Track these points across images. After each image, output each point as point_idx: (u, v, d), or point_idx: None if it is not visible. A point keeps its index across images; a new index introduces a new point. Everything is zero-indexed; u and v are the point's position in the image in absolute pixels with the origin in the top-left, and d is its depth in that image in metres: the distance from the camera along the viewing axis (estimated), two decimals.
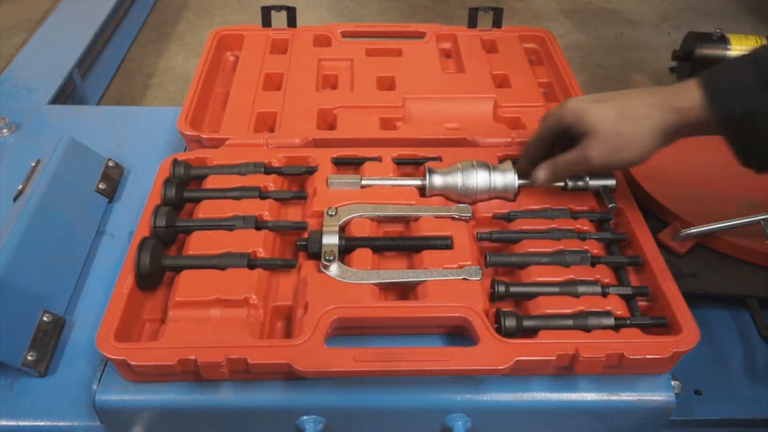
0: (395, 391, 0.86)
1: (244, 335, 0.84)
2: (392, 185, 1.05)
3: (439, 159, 1.10)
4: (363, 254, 0.94)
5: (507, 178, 1.02)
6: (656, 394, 0.86)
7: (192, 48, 2.72)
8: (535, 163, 1.01)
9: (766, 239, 0.98)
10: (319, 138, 1.15)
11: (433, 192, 1.03)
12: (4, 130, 1.30)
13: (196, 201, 1.03)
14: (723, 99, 0.81)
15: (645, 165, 1.13)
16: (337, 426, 0.88)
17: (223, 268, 0.91)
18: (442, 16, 2.96)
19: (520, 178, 1.02)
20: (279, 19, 1.46)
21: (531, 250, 0.95)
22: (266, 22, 1.45)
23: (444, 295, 0.88)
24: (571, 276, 0.92)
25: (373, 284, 0.90)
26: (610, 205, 1.00)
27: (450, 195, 1.03)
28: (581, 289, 0.90)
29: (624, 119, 0.89)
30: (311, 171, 1.07)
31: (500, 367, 0.80)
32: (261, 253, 0.94)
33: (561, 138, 0.98)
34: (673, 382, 0.87)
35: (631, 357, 0.82)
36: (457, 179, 1.01)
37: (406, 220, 1.02)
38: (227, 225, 0.97)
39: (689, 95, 0.84)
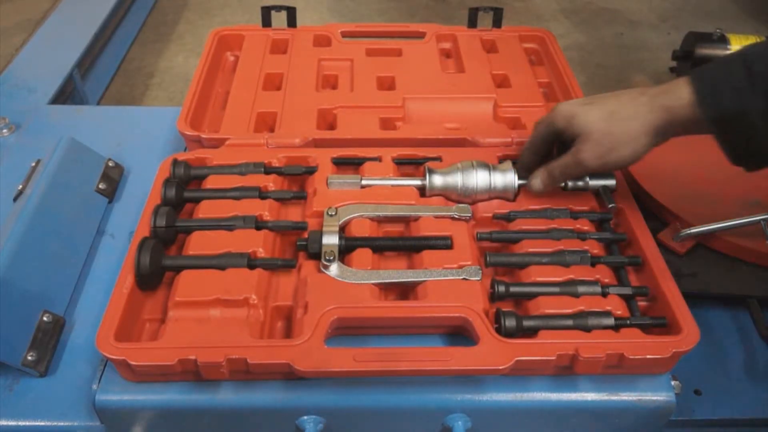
0: (395, 391, 0.86)
1: (244, 335, 0.84)
2: (392, 185, 1.05)
3: (439, 159, 1.10)
4: (363, 254, 0.94)
5: (507, 178, 1.02)
6: (656, 394, 0.86)
7: (192, 48, 2.72)
8: (531, 169, 1.02)
9: (766, 239, 0.98)
10: (319, 138, 1.15)
11: (433, 192, 1.03)
12: (4, 130, 1.30)
13: (196, 201, 1.03)
14: (712, 97, 0.81)
15: (645, 165, 1.13)
16: (337, 426, 0.88)
17: (223, 268, 0.91)
18: (442, 16, 2.96)
19: (520, 178, 1.02)
20: (279, 19, 1.46)
21: (531, 250, 0.95)
22: (266, 22, 1.45)
23: (444, 295, 0.88)
24: (571, 276, 0.92)
25: (373, 284, 0.90)
26: (610, 205, 1.00)
27: (450, 195, 1.03)
28: (581, 289, 0.90)
29: (614, 120, 0.89)
30: (311, 171, 1.07)
31: (500, 367, 0.80)
32: (261, 253, 0.94)
33: (555, 142, 0.99)
34: (673, 382, 0.87)
35: (631, 357, 0.82)
36: (457, 179, 1.01)
37: (406, 220, 1.02)
38: (227, 225, 0.97)
39: (679, 94, 0.84)
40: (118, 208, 1.16)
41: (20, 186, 1.09)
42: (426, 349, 0.86)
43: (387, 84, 1.32)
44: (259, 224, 0.98)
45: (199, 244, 0.95)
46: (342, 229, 0.98)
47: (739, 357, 0.99)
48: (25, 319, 0.90)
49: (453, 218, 1.00)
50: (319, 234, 0.94)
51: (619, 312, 0.88)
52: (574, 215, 1.02)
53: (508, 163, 1.04)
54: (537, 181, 1.00)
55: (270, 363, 0.81)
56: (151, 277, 0.91)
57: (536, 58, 1.45)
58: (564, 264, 0.93)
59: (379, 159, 1.10)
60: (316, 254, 0.93)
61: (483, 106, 1.26)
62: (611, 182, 1.04)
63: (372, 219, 1.01)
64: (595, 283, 0.91)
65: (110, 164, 1.18)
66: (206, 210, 1.00)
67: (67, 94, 1.64)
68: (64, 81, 1.55)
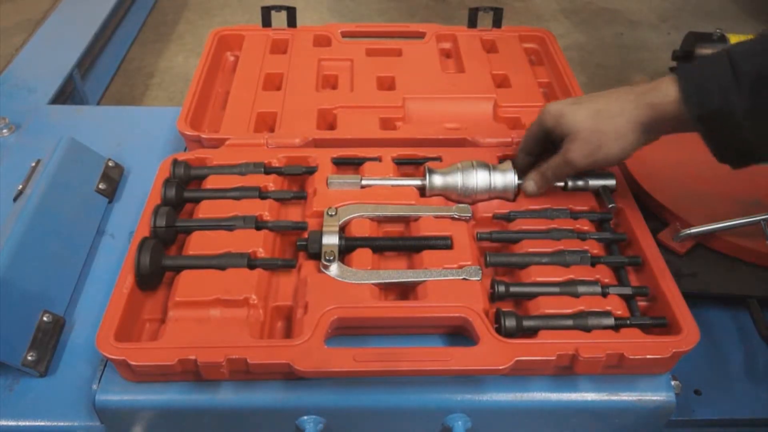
0: (395, 391, 0.86)
1: (244, 335, 0.84)
2: (392, 185, 1.05)
3: (439, 159, 1.10)
4: (363, 254, 0.94)
5: (507, 178, 1.02)
6: (656, 394, 0.86)
7: (192, 48, 2.73)
8: (526, 170, 1.02)
9: (766, 239, 0.98)
10: (319, 138, 1.15)
11: (432, 192, 1.03)
12: (4, 130, 1.30)
13: (196, 201, 1.03)
14: (698, 95, 0.82)
15: (645, 165, 1.13)
16: (337, 426, 0.88)
17: (223, 268, 0.91)
18: (442, 16, 2.96)
19: (519, 178, 1.02)
20: (279, 19, 1.46)
21: (531, 250, 0.95)
22: (266, 22, 1.45)
23: (444, 295, 0.88)
24: (571, 276, 0.92)
25: (373, 284, 0.90)
26: (610, 205, 1.00)
27: (450, 195, 1.03)
28: (581, 289, 0.90)
29: (601, 117, 0.90)
30: (311, 171, 1.07)
31: (500, 367, 0.80)
32: (261, 253, 0.94)
33: (546, 143, 0.99)
34: (673, 382, 0.87)
35: (631, 357, 0.82)
36: (456, 179, 1.01)
37: (406, 220, 1.02)
38: (227, 225, 0.97)
39: (665, 91, 0.85)
40: (118, 208, 1.16)
41: (20, 186, 1.09)
42: (426, 349, 0.86)
43: (387, 84, 1.32)
44: (259, 224, 0.98)
45: (199, 244, 0.95)
46: (342, 229, 0.98)
47: (739, 357, 0.99)
48: (25, 319, 0.90)
49: (453, 218, 1.00)
50: (319, 234, 0.94)
51: (619, 312, 0.88)
52: (574, 215, 1.02)
53: (508, 163, 1.04)
54: (530, 183, 1.01)
55: (270, 363, 0.81)
56: (151, 277, 0.91)
57: (536, 58, 1.45)
58: (564, 264, 0.93)
59: (379, 159, 1.10)
60: (316, 254, 0.93)
61: (483, 106, 1.26)
62: (611, 182, 1.04)
63: (372, 219, 1.01)
64: (595, 283, 0.91)
65: (110, 164, 1.18)
66: (206, 210, 1.00)
67: (67, 94, 1.64)
68: (64, 81, 1.55)
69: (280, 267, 0.94)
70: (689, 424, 0.94)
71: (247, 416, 0.86)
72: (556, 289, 0.90)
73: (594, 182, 1.04)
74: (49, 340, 0.92)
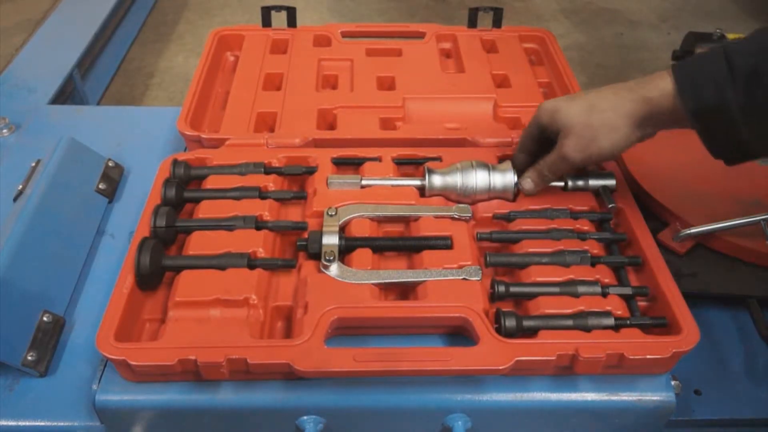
0: (395, 391, 0.86)
1: (244, 335, 0.84)
2: (392, 185, 1.05)
3: (439, 159, 1.10)
4: (363, 254, 0.94)
5: (506, 178, 1.02)
6: (656, 394, 0.86)
7: (192, 48, 2.73)
8: (524, 171, 1.02)
9: (766, 239, 0.98)
10: (319, 138, 1.15)
11: (432, 192, 1.03)
12: (4, 130, 1.30)
13: (196, 201, 1.03)
14: (693, 90, 0.82)
15: (645, 165, 1.13)
16: (337, 426, 0.88)
17: (223, 268, 0.91)
18: (442, 16, 2.96)
19: (519, 178, 1.02)
20: (279, 19, 1.46)
21: (531, 250, 0.95)
22: (266, 22, 1.45)
23: (444, 295, 0.88)
24: (571, 276, 0.92)
25: (373, 284, 0.90)
26: (610, 205, 1.00)
27: (449, 195, 1.03)
28: (581, 289, 0.90)
29: (594, 112, 0.90)
30: (311, 171, 1.07)
31: (500, 367, 0.80)
32: (261, 253, 0.94)
33: (543, 142, 0.99)
34: (673, 382, 0.87)
35: (631, 357, 0.82)
36: (456, 179, 1.01)
37: (406, 220, 1.02)
38: (227, 225, 0.97)
39: (660, 85, 0.85)
40: (118, 208, 1.16)
41: (20, 186, 1.09)
42: (426, 349, 0.86)
43: (387, 84, 1.32)
44: (259, 224, 0.98)
45: (199, 244, 0.95)
46: (342, 229, 0.98)
47: (739, 357, 0.99)
48: (25, 319, 0.90)
49: (453, 218, 1.00)
50: (319, 234, 0.94)
51: (619, 312, 0.88)
52: (574, 215, 1.02)
53: (508, 163, 1.04)
54: (527, 181, 1.01)
55: (270, 363, 0.81)
56: (151, 277, 0.91)
57: (536, 58, 1.45)
58: (564, 264, 0.93)
59: (379, 159, 1.10)
60: (316, 254, 0.93)
61: (483, 106, 1.26)
62: (611, 182, 1.04)
63: (372, 219, 1.01)
64: (595, 283, 0.91)
65: (110, 164, 1.18)
66: (206, 210, 1.00)
67: (67, 94, 1.64)
68: (64, 81, 1.55)
69: (280, 267, 0.94)
70: (689, 424, 0.94)
71: (247, 416, 0.86)
72: (556, 289, 0.90)
73: (594, 182, 1.04)
74: (49, 340, 0.92)
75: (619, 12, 3.06)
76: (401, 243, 0.98)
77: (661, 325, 0.88)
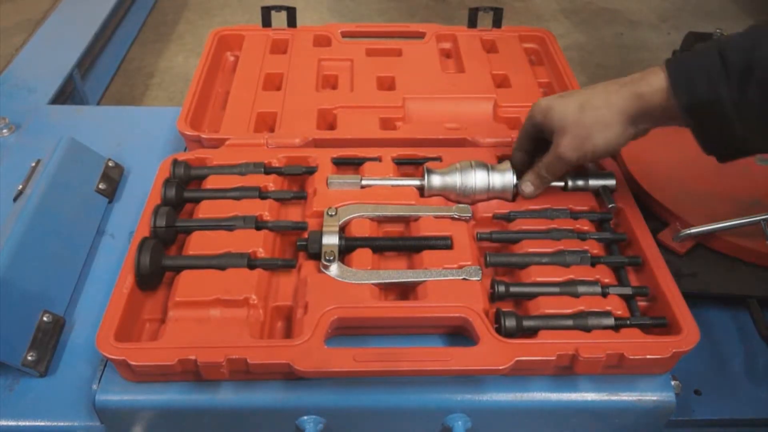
0: (395, 391, 0.86)
1: (244, 335, 0.84)
2: (392, 185, 1.05)
3: (439, 159, 1.10)
4: (363, 254, 0.94)
5: (505, 179, 1.02)
6: (656, 394, 0.86)
7: (192, 48, 2.73)
8: (521, 169, 1.03)
9: (766, 239, 0.98)
10: (319, 138, 1.15)
11: (431, 192, 1.03)
12: (4, 130, 1.30)
13: (196, 201, 1.03)
14: (686, 85, 0.81)
15: (645, 165, 1.13)
16: (337, 426, 0.88)
17: (223, 268, 0.91)
18: (442, 16, 2.96)
19: (517, 176, 1.02)
20: (279, 19, 1.46)
21: (531, 250, 0.95)
22: (266, 22, 1.45)
23: (444, 295, 0.88)
24: (571, 276, 0.92)
25: (373, 284, 0.90)
26: (610, 205, 1.00)
27: (449, 195, 1.03)
28: (581, 289, 0.90)
29: (586, 109, 0.90)
30: (311, 171, 1.07)
31: (500, 367, 0.80)
32: (261, 253, 0.94)
33: (539, 140, 0.99)
34: (673, 382, 0.87)
35: (631, 357, 0.82)
36: (455, 179, 1.01)
37: (406, 220, 1.02)
38: (227, 225, 0.97)
39: (653, 81, 0.85)
40: (118, 208, 1.16)
41: (20, 186, 1.09)
42: (426, 349, 0.86)
43: (387, 84, 1.32)
44: (259, 224, 0.98)
45: (199, 244, 0.95)
46: (342, 229, 0.98)
47: (739, 357, 0.99)
48: (25, 319, 0.90)
49: (453, 218, 1.00)
50: (319, 234, 0.94)
51: (619, 312, 0.88)
52: (574, 215, 1.02)
53: (507, 164, 1.04)
54: (527, 184, 1.01)
55: (270, 363, 0.81)
56: (151, 277, 0.91)
57: (536, 58, 1.45)
58: (564, 264, 0.93)
59: (379, 159, 1.10)
60: (316, 254, 0.93)
61: (483, 106, 1.26)
62: (611, 182, 1.04)
63: (372, 219, 1.01)
64: (595, 283, 0.91)
65: (110, 164, 1.18)
66: (206, 210, 1.00)
67: (67, 94, 1.64)
68: (64, 81, 1.55)
69: (280, 267, 0.94)
70: (689, 424, 0.94)
71: (247, 416, 0.86)
72: (556, 289, 0.90)
73: (594, 182, 1.04)
74: (49, 340, 0.92)
75: (619, 12, 3.06)
76: (401, 243, 0.98)
77: (661, 325, 0.88)
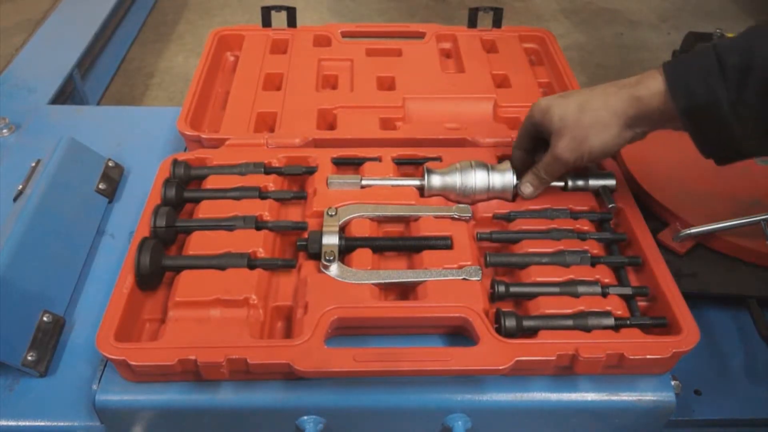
0: (395, 391, 0.86)
1: (244, 335, 0.84)
2: (392, 185, 1.05)
3: (439, 159, 1.10)
4: (363, 254, 0.94)
5: (505, 179, 1.02)
6: (656, 394, 0.86)
7: (192, 48, 2.73)
8: (521, 167, 1.03)
9: (766, 239, 0.98)
10: (319, 138, 1.15)
11: (431, 192, 1.03)
12: (4, 130, 1.30)
13: (196, 201, 1.03)
14: (684, 88, 0.82)
15: (645, 165, 1.13)
16: (337, 426, 0.88)
17: (223, 268, 0.91)
18: (442, 16, 2.96)
19: (517, 175, 1.02)
20: (279, 19, 1.46)
21: (531, 250, 0.95)
22: (266, 22, 1.45)
23: (444, 295, 0.88)
24: (571, 276, 0.92)
25: (373, 284, 0.90)
26: (610, 205, 1.00)
27: (449, 195, 1.03)
28: (581, 289, 0.90)
29: (584, 110, 0.90)
30: (311, 171, 1.07)
31: (500, 367, 0.80)
32: (261, 253, 0.94)
33: (538, 139, 0.99)
34: (673, 382, 0.87)
35: (631, 357, 0.82)
36: (455, 179, 1.01)
37: (406, 220, 1.02)
38: (227, 225, 0.97)
39: (650, 84, 0.85)
40: (118, 208, 1.16)
41: (20, 186, 1.09)
42: (426, 349, 0.86)
43: (387, 84, 1.32)
44: (259, 224, 0.98)
45: (199, 244, 0.95)
46: (342, 229, 0.98)
47: (739, 357, 0.99)
48: (25, 319, 0.90)
49: (453, 218, 1.00)
50: (319, 234, 0.94)
51: (619, 312, 0.88)
52: (574, 215, 1.02)
53: (507, 164, 1.04)
54: (527, 185, 1.01)
55: (270, 363, 0.81)
56: (151, 277, 0.91)
57: (536, 58, 1.45)
58: (564, 264, 0.93)
59: (379, 159, 1.10)
60: (316, 254, 0.93)
61: (483, 106, 1.26)
62: (611, 182, 1.04)
63: (372, 219, 1.01)
64: (595, 283, 0.91)
65: (110, 164, 1.18)
66: (206, 210, 1.00)
67: (67, 94, 1.64)
68: (64, 81, 1.55)
69: (280, 267, 0.94)
70: (689, 424, 0.94)
71: (247, 416, 0.86)
72: (556, 289, 0.90)
73: (594, 182, 1.04)
74: (49, 340, 0.92)
75: (619, 12, 3.06)
76: (401, 243, 0.98)
77: (661, 325, 0.88)
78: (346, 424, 0.88)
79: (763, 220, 0.99)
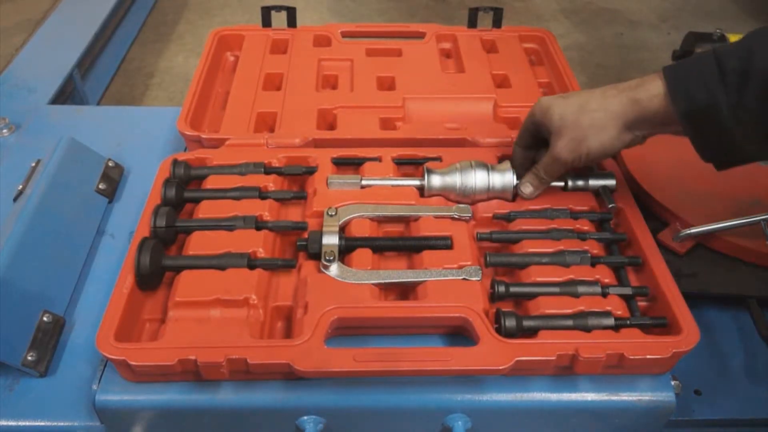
0: (395, 391, 0.86)
1: (244, 335, 0.84)
2: (392, 185, 1.05)
3: (439, 159, 1.10)
4: (363, 254, 0.94)
5: (505, 179, 1.02)
6: (656, 394, 0.86)
7: (192, 48, 2.73)
8: (521, 166, 1.03)
9: (766, 239, 0.98)
10: (319, 138, 1.15)
11: (431, 192, 1.03)
12: (4, 130, 1.30)
13: (196, 201, 1.03)
14: (685, 91, 0.82)
15: (645, 165, 1.13)
16: (337, 426, 0.88)
17: (223, 268, 0.91)
18: (442, 16, 2.96)
19: (518, 178, 1.02)
20: (279, 19, 1.46)
21: (531, 250, 0.95)
22: (266, 22, 1.45)
23: (444, 295, 0.88)
24: (571, 276, 0.92)
25: (373, 284, 0.90)
26: (610, 205, 1.00)
27: (449, 195, 1.03)
28: (581, 289, 0.90)
29: (583, 112, 0.90)
30: (311, 171, 1.07)
31: (500, 367, 0.80)
32: (261, 253, 0.94)
33: (538, 138, 0.99)
34: (673, 382, 0.87)
35: (631, 357, 0.82)
36: (455, 179, 1.01)
37: (406, 220, 1.02)
38: (227, 225, 0.97)
39: (650, 87, 0.85)
40: (118, 208, 1.16)
41: (20, 186, 1.09)
42: (426, 349, 0.86)
43: (387, 84, 1.32)
44: (259, 224, 0.98)
45: (199, 244, 0.95)
46: (342, 229, 0.98)
47: (739, 357, 0.99)
48: (25, 319, 0.90)
49: (453, 218, 1.00)
50: (319, 234, 0.94)
51: (619, 312, 0.88)
52: (574, 215, 1.02)
53: (507, 164, 1.04)
54: (526, 186, 1.01)
55: (270, 363, 0.81)
56: (151, 277, 0.91)
57: (536, 58, 1.45)
58: (564, 264, 0.93)
59: (379, 159, 1.10)
60: (316, 254, 0.93)
61: (483, 106, 1.26)
62: (611, 182, 1.04)
63: (372, 219, 1.01)
64: (595, 283, 0.91)
65: (110, 164, 1.18)
66: (206, 210, 1.00)
67: (67, 94, 1.64)
68: (64, 81, 1.55)
69: (280, 267, 0.94)
70: (689, 424, 0.94)
71: (247, 416, 0.86)
72: (556, 289, 0.90)
73: (594, 182, 1.04)
74: (49, 340, 0.92)
75: (619, 12, 3.06)
76: (401, 243, 0.98)
77: (661, 325, 0.88)
78: (346, 424, 0.88)
79: (763, 220, 0.99)
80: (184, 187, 1.04)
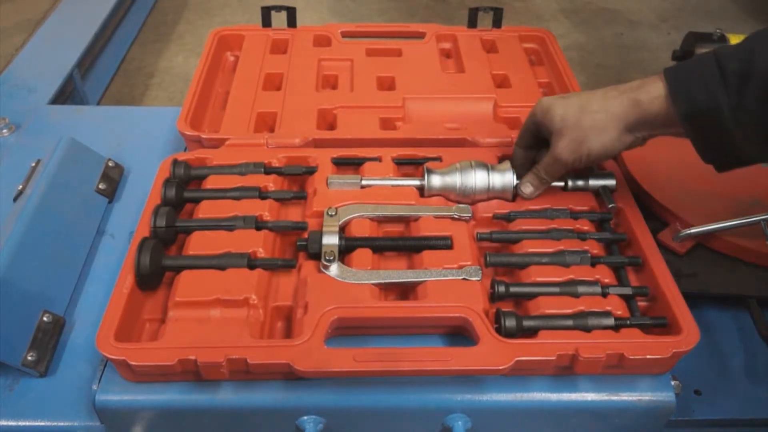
0: (395, 391, 0.86)
1: (244, 335, 0.84)
2: (392, 185, 1.05)
3: (439, 159, 1.10)
4: (363, 254, 0.94)
5: (506, 179, 1.02)
6: (656, 394, 0.86)
7: (192, 48, 2.73)
8: (521, 165, 1.03)
9: (766, 239, 0.98)
10: (319, 138, 1.15)
11: (431, 192, 1.03)
12: (4, 130, 1.30)
13: (196, 201, 1.03)
14: (686, 93, 0.82)
15: (645, 165, 1.13)
16: (337, 426, 0.88)
17: (223, 268, 0.91)
18: (442, 16, 2.96)
19: (518, 178, 1.02)
20: (279, 19, 1.46)
21: (531, 250, 0.95)
22: (266, 22, 1.45)
23: (444, 295, 0.88)
24: (571, 276, 0.92)
25: (373, 284, 0.90)
26: (610, 205, 1.00)
27: (449, 195, 1.03)
28: (581, 289, 0.90)
29: (583, 112, 0.90)
30: (311, 171, 1.07)
31: (500, 367, 0.80)
32: (261, 253, 0.94)
33: (539, 138, 0.99)
34: (673, 382, 0.87)
35: (631, 357, 0.82)
36: (455, 179, 1.01)
37: (406, 220, 1.02)
38: (227, 225, 0.97)
39: (651, 89, 0.85)
40: (118, 208, 1.16)
41: (20, 186, 1.09)
42: (426, 349, 0.86)
43: (387, 84, 1.32)
44: (259, 224, 0.98)
45: (199, 244, 0.95)
46: (342, 229, 0.98)
47: (739, 357, 0.99)
48: (25, 319, 0.90)
49: (453, 218, 1.00)
50: (319, 234, 0.94)
51: (619, 312, 0.88)
52: (574, 215, 1.02)
53: (507, 164, 1.04)
54: (527, 186, 1.01)
55: (270, 363, 0.81)
56: (151, 277, 0.91)
57: (536, 58, 1.45)
58: (564, 264, 0.93)
59: (379, 159, 1.10)
60: (316, 254, 0.93)
61: (483, 106, 1.26)
62: (611, 182, 1.04)
63: (372, 219, 1.01)
64: (595, 283, 0.91)
65: (110, 164, 1.18)
66: (206, 210, 1.00)
67: (67, 94, 1.64)
68: (64, 81, 1.55)
69: (280, 267, 0.94)
70: (689, 424, 0.94)
71: (247, 416, 0.86)
72: (556, 289, 0.90)
73: (594, 182, 1.04)
74: (49, 340, 0.92)
75: (619, 12, 3.06)
76: (401, 243, 0.98)
77: (661, 325, 0.88)
78: (346, 424, 0.88)
79: (763, 220, 0.99)
80: (184, 187, 1.04)
